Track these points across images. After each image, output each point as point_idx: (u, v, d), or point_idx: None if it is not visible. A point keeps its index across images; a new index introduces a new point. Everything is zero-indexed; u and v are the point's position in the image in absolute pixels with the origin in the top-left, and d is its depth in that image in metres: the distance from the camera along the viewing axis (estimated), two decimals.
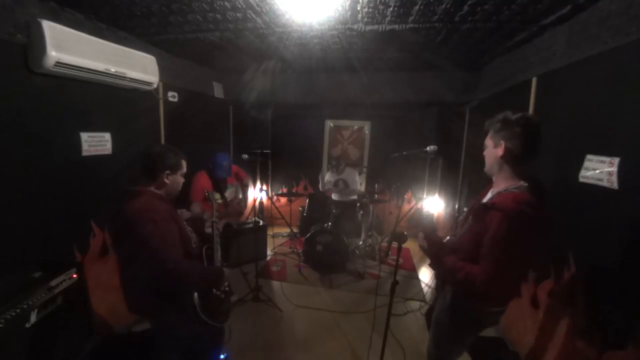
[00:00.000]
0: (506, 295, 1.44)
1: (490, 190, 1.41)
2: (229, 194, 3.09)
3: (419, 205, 4.45)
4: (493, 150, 1.32)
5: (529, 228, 1.16)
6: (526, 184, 1.25)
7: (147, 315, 1.52)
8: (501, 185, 1.33)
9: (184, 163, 1.56)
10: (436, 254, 1.45)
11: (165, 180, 1.47)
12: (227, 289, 1.69)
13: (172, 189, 1.54)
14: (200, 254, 1.59)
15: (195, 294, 1.41)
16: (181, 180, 1.57)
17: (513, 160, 1.28)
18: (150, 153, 1.50)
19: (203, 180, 2.84)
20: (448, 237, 1.61)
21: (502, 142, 1.28)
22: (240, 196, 3.38)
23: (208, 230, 1.81)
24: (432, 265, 1.62)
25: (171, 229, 1.39)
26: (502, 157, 1.29)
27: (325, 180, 4.22)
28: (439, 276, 1.68)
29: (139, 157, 1.52)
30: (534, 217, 1.15)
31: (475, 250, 1.27)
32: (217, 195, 1.87)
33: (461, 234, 1.43)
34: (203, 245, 1.62)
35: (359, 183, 4.23)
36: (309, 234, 3.59)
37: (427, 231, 1.49)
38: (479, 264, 1.24)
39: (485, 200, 1.38)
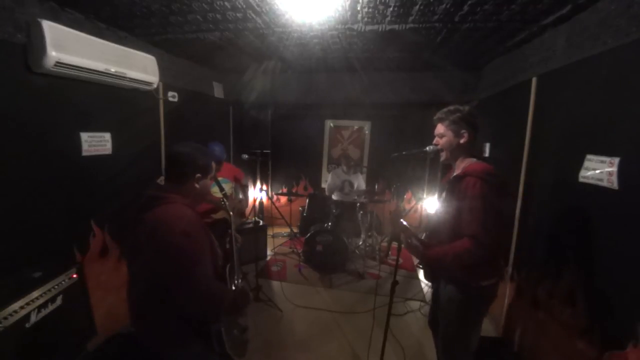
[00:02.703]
0: (495, 260, 1.54)
1: (454, 171, 1.58)
2: (228, 188, 3.05)
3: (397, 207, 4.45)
4: (454, 138, 1.53)
5: (498, 187, 1.39)
6: (479, 159, 1.52)
7: (160, 344, 1.22)
8: (461, 165, 1.54)
9: (213, 165, 1.36)
10: (422, 255, 1.56)
11: (196, 185, 1.27)
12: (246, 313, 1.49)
13: (201, 195, 1.35)
14: (224, 273, 1.39)
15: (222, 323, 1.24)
16: (210, 184, 1.37)
17: (469, 144, 1.53)
18: (180, 153, 1.28)
19: None
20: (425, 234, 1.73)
21: (465, 131, 1.50)
22: (241, 196, 3.36)
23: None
24: (421, 264, 1.69)
25: (203, 244, 1.21)
26: (465, 143, 1.51)
27: (329, 180, 4.21)
28: (429, 276, 1.78)
29: (150, 157, 1.36)
30: (498, 178, 1.40)
31: (456, 220, 1.42)
32: (215, 188, 1.68)
33: (440, 212, 1.58)
34: (226, 264, 1.44)
35: (363, 185, 4.25)
36: (309, 234, 3.59)
37: (406, 240, 1.56)
38: (464, 233, 1.37)
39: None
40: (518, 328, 2.24)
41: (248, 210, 4.50)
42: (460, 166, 1.56)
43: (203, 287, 1.12)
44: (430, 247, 1.54)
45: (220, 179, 2.74)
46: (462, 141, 1.52)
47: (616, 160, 1.45)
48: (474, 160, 1.53)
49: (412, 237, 1.55)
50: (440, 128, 1.57)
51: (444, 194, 1.59)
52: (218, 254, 1.35)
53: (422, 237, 1.72)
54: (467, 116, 1.51)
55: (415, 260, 4.00)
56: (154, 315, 1.19)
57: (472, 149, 1.56)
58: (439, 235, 1.59)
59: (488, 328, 2.62)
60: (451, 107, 1.55)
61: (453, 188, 1.48)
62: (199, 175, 1.27)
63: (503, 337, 2.42)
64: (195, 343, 1.22)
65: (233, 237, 1.57)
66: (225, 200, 1.63)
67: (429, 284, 3.29)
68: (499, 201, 1.39)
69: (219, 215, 2.66)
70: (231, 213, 1.67)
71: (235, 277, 1.45)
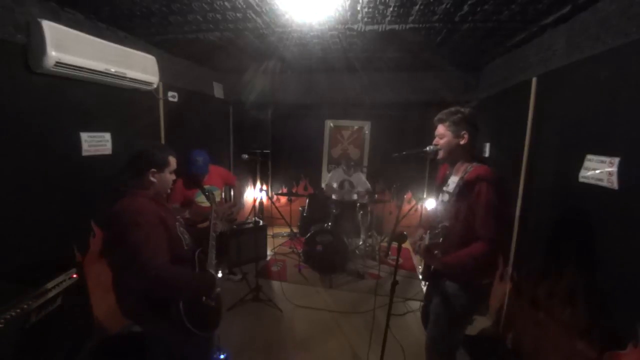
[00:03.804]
0: (497, 259, 1.65)
1: (453, 173, 1.61)
2: (217, 195, 2.93)
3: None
4: (454, 139, 1.54)
5: (505, 190, 1.46)
6: (480, 161, 1.54)
7: (136, 321, 1.47)
8: (462, 167, 1.56)
9: (171, 160, 1.49)
10: (443, 265, 1.55)
11: (152, 179, 1.42)
12: (218, 295, 1.58)
13: (161, 188, 1.48)
14: (192, 258, 1.50)
15: (181, 303, 1.32)
16: (170, 177, 1.51)
17: (470, 145, 1.54)
18: (135, 152, 1.45)
19: (179, 185, 2.59)
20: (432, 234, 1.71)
21: (465, 132, 1.51)
22: (234, 202, 3.25)
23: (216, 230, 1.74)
24: (438, 268, 1.66)
25: (157, 232, 1.30)
26: (465, 144, 1.52)
27: (328, 179, 4.21)
28: (427, 276, 1.78)
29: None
30: (506, 183, 1.47)
31: (469, 224, 1.46)
32: (202, 197, 1.71)
33: (449, 216, 1.56)
34: (197, 248, 1.55)
35: (367, 183, 4.18)
36: (309, 234, 3.59)
37: (426, 254, 1.56)
38: (479, 236, 1.42)
39: (457, 179, 1.56)
40: (518, 327, 2.24)
41: (247, 210, 4.51)
42: (461, 169, 1.55)
43: (152, 271, 1.20)
44: (448, 254, 1.52)
45: (207, 186, 2.69)
46: (462, 142, 1.52)
47: (616, 160, 1.45)
48: (477, 163, 1.52)
49: (431, 246, 1.53)
50: (440, 129, 1.57)
51: (454, 198, 1.54)
52: (181, 239, 1.45)
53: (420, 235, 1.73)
54: (468, 117, 1.52)
55: (414, 260, 4.00)
56: (125, 296, 1.39)
57: (472, 150, 1.56)
58: (436, 233, 1.58)
59: (488, 327, 2.62)
60: (452, 108, 1.56)
61: (463, 192, 1.48)
62: (153, 170, 1.42)
63: (503, 336, 2.42)
64: (160, 320, 1.34)
65: (211, 224, 1.70)
66: (211, 199, 1.69)
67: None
68: (506, 205, 1.48)
69: (204, 225, 2.58)
70: (214, 206, 1.77)
71: (208, 261, 1.55)
